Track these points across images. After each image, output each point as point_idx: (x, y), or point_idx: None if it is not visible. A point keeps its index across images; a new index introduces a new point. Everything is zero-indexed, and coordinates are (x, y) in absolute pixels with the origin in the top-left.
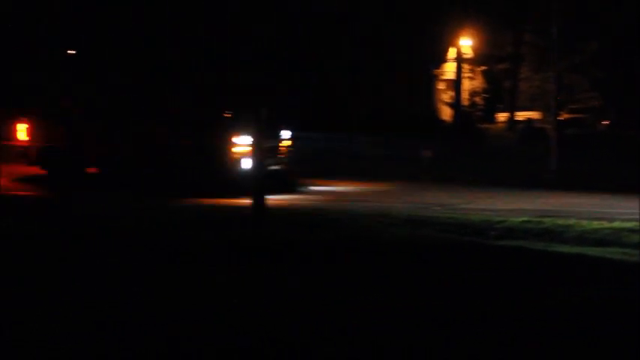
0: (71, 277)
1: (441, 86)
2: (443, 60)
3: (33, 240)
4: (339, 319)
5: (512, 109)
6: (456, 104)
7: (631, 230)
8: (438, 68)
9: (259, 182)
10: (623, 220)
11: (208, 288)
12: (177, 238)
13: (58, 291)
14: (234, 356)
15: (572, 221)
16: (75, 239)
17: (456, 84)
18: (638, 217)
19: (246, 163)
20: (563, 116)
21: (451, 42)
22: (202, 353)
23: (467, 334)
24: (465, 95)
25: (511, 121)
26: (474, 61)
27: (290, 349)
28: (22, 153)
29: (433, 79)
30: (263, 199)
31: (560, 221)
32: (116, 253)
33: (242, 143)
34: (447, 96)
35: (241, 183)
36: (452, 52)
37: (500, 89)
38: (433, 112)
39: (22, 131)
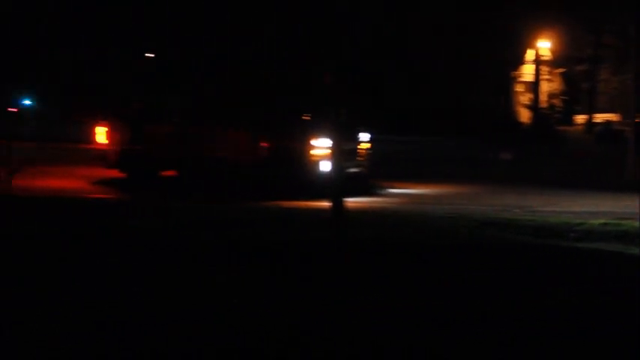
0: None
1: (520, 88)
2: (521, 62)
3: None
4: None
5: (590, 111)
6: (534, 106)
7: None
8: (517, 70)
9: (338, 185)
10: None
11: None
12: (261, 239)
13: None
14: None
15: None
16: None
17: (534, 86)
18: None
19: (325, 166)
20: None
21: (529, 44)
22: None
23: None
24: (543, 97)
25: (589, 123)
26: (553, 63)
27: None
28: (101, 156)
29: (511, 81)
30: (342, 201)
31: None
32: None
33: (321, 146)
34: (525, 98)
35: (320, 186)
36: (530, 54)
37: (578, 91)
38: (511, 115)
39: (101, 134)
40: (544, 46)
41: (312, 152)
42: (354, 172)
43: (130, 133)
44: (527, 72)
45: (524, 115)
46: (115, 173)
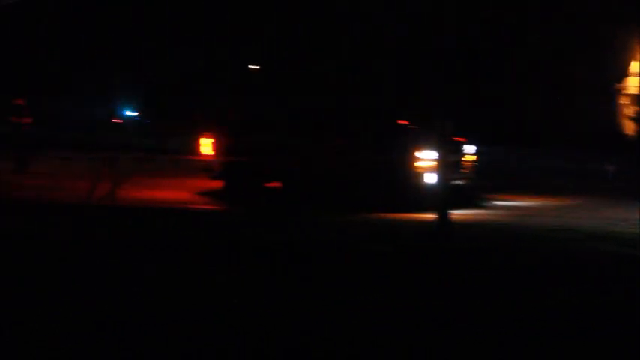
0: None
1: (624, 100)
2: (625, 74)
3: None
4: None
5: None
6: (638, 118)
7: None
8: (621, 82)
9: (444, 197)
10: None
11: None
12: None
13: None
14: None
15: None
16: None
17: (638, 98)
18: None
19: (430, 178)
20: None
21: (634, 56)
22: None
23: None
24: None
25: None
26: None
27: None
28: (205, 167)
29: (616, 93)
30: (447, 213)
31: None
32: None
33: (426, 158)
34: (629, 110)
35: (424, 198)
36: (634, 66)
37: None
38: (616, 127)
39: (206, 146)
40: None
41: (417, 164)
42: (459, 185)
43: (234, 144)
44: (632, 84)
45: (629, 128)
46: (219, 184)
